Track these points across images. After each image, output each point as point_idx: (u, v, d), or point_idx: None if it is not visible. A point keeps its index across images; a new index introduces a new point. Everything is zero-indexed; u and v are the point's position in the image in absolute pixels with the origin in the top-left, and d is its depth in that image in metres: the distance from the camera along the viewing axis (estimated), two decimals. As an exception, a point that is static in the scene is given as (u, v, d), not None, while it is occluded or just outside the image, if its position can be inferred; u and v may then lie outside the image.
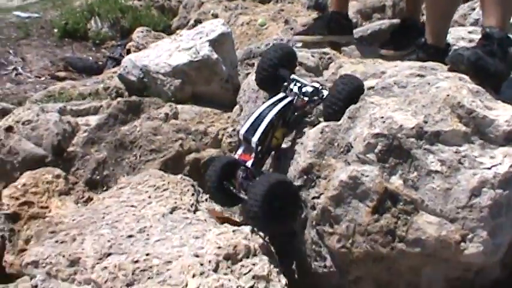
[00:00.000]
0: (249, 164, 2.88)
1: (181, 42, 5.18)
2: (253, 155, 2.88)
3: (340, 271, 2.73)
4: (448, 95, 2.63)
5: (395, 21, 4.87)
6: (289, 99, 2.98)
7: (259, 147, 2.87)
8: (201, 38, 5.06)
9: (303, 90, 2.99)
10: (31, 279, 2.55)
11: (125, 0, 9.80)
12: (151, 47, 5.70)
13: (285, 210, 2.73)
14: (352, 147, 2.65)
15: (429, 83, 2.80)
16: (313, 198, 2.71)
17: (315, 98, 3.00)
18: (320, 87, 3.00)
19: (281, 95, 3.03)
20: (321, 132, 2.77)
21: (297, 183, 2.78)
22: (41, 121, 4.06)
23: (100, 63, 8.15)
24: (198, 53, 4.87)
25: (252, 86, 3.27)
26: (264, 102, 3.08)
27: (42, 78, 7.60)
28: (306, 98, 2.99)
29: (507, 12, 3.10)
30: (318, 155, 2.74)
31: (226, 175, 2.96)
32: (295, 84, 3.04)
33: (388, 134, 2.57)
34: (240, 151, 2.96)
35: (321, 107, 3.00)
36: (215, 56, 4.85)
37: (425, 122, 2.58)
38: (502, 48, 2.98)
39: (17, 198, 3.50)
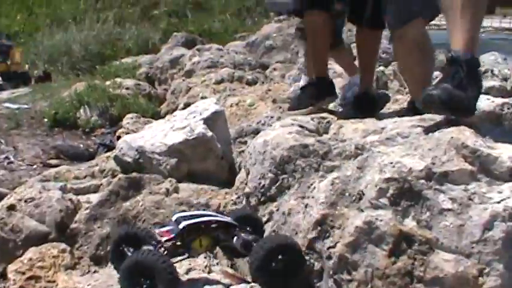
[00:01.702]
0: (163, 239, 2.87)
1: (176, 122, 5.25)
2: (173, 235, 2.87)
3: (360, 319, 2.73)
4: (452, 137, 2.72)
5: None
6: (236, 226, 2.97)
7: (183, 234, 2.86)
8: (194, 117, 5.13)
9: (248, 237, 2.93)
10: None
11: (113, 89, 9.97)
12: (145, 128, 5.77)
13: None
14: (364, 194, 2.70)
15: (431, 130, 2.88)
16: (329, 248, 2.74)
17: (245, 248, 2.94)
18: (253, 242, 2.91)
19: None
20: (332, 184, 2.82)
21: (311, 235, 2.81)
22: (44, 198, 4.08)
23: (91, 150, 8.21)
24: (193, 131, 4.93)
25: (257, 149, 3.34)
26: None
27: (35, 166, 7.65)
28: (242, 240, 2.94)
29: (474, 31, 3.12)
30: (330, 206, 2.79)
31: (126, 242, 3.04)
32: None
33: (398, 177, 2.63)
34: (163, 228, 2.98)
35: None
36: (210, 133, 4.91)
37: (433, 164, 2.65)
38: (469, 72, 3.02)
39: (23, 273, 3.50)
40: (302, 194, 3.01)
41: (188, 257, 2.93)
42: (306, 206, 2.92)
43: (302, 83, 5.70)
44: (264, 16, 19.52)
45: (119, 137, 7.31)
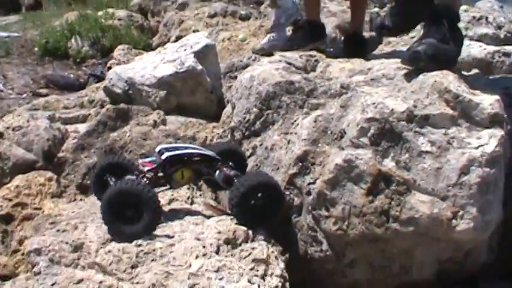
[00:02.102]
0: (146, 169, 2.92)
1: (166, 54, 5.24)
2: (155, 166, 2.91)
3: (336, 255, 2.80)
4: (435, 81, 2.76)
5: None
6: (219, 161, 2.99)
7: (165, 165, 2.90)
8: (185, 50, 5.12)
9: (230, 172, 2.94)
10: (33, 266, 2.58)
11: (105, 20, 9.86)
12: (136, 60, 5.75)
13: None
14: (345, 133, 2.74)
15: (416, 73, 2.91)
16: (309, 184, 2.79)
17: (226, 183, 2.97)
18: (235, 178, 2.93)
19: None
20: (315, 121, 2.86)
21: (292, 171, 2.86)
22: (31, 127, 4.11)
23: (81, 80, 8.15)
24: (183, 64, 4.92)
25: (244, 83, 3.36)
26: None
27: (24, 95, 7.62)
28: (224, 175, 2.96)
29: None
30: (312, 143, 2.83)
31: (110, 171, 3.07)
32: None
33: (380, 118, 2.67)
34: (146, 159, 3.02)
35: None
36: (200, 67, 4.90)
37: (415, 107, 2.69)
38: (451, 27, 3.10)
39: (10, 200, 3.55)
40: (285, 130, 3.05)
41: (170, 188, 2.96)
42: (288, 142, 2.96)
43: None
44: None
45: (109, 68, 7.24)
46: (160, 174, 2.90)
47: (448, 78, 2.77)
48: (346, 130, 2.74)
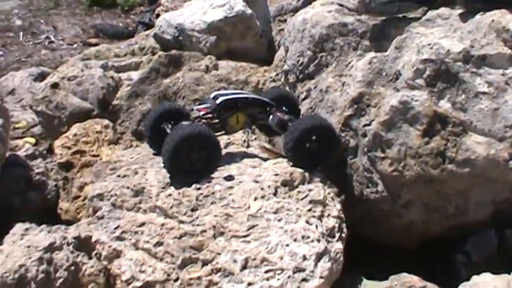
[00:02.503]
0: (201, 113, 2.96)
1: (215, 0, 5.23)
2: (209, 110, 2.95)
3: (392, 196, 2.82)
4: (492, 21, 2.70)
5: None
6: (273, 106, 3.01)
7: (220, 110, 2.93)
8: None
9: (284, 116, 2.97)
10: (96, 211, 2.67)
11: (152, -33, 9.83)
12: (184, 6, 5.74)
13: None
14: (400, 74, 2.73)
15: (472, 12, 2.86)
16: (364, 125, 2.80)
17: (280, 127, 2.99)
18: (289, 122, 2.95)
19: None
20: (369, 63, 2.86)
21: (347, 113, 2.87)
22: (86, 76, 4.17)
23: (130, 28, 8.19)
24: (233, 8, 4.91)
25: (297, 26, 3.35)
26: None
27: (75, 45, 7.70)
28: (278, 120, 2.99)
29: None
30: (367, 85, 2.83)
31: (165, 119, 3.08)
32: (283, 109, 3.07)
33: (436, 59, 2.65)
34: (201, 105, 3.05)
35: None
36: (249, 11, 4.89)
37: (472, 47, 2.66)
38: None
39: (69, 148, 3.64)
40: (340, 72, 3.05)
41: (225, 133, 3.00)
42: (343, 84, 2.96)
43: None
44: None
45: (158, 15, 7.26)
46: (216, 119, 2.94)
47: (506, 17, 2.71)
48: (401, 71, 2.73)
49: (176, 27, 5.05)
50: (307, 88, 3.24)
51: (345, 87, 2.93)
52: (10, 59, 7.02)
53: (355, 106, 2.85)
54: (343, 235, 2.59)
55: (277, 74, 3.84)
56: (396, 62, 2.79)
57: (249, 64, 4.60)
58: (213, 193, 2.57)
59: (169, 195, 2.57)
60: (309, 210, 2.56)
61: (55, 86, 4.11)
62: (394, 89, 2.74)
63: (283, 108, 3.07)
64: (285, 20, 5.24)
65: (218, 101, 2.93)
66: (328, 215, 2.59)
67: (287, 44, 3.47)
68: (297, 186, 2.67)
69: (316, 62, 3.20)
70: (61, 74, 4.20)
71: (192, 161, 2.69)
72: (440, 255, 3.00)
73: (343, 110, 2.89)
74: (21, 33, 8.06)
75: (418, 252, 3.04)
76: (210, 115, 2.95)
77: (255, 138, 3.33)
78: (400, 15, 3.04)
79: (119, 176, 2.84)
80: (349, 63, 3.00)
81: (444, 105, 2.64)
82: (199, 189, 2.58)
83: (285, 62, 3.59)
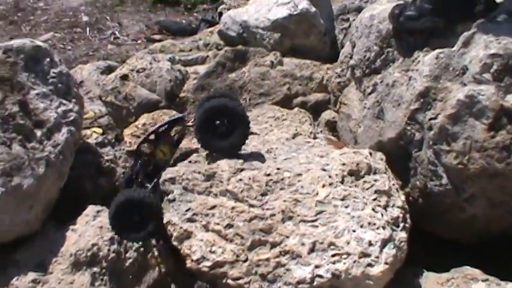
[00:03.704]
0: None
1: (280, -3, 5.30)
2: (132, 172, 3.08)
3: (456, 189, 2.85)
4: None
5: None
6: (178, 116, 3.14)
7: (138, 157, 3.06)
8: (301, -11, 5.16)
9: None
10: (167, 194, 2.78)
11: (215, -34, 9.95)
12: (249, 4, 5.83)
13: None
14: (467, 69, 2.77)
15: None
16: (430, 119, 2.84)
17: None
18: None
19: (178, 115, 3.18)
20: (436, 58, 2.89)
21: (414, 106, 2.92)
22: (154, 69, 4.30)
23: (193, 26, 8.31)
24: (297, 6, 4.97)
25: (364, 22, 3.41)
26: None
27: (139, 41, 7.88)
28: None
29: None
30: (434, 79, 2.87)
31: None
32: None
33: (503, 53, 2.68)
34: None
35: None
36: (313, 9, 4.95)
37: (540, 42, 2.68)
38: None
39: (138, 137, 3.71)
40: (406, 67, 3.09)
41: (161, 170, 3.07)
42: (409, 79, 3.01)
43: None
44: None
45: (220, 14, 7.36)
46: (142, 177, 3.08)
47: None
48: (468, 66, 2.77)
49: (241, 24, 5.14)
50: (374, 83, 3.30)
51: (411, 81, 2.98)
52: (78, 53, 7.23)
53: (422, 100, 2.90)
54: (407, 225, 2.64)
55: (342, 70, 3.90)
56: (463, 57, 2.82)
57: (312, 62, 4.66)
58: (282, 179, 2.65)
59: (240, 180, 2.67)
60: (374, 199, 2.62)
61: (124, 77, 4.24)
62: (461, 83, 2.78)
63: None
64: (348, 19, 5.29)
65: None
66: (393, 205, 2.65)
67: (354, 39, 3.54)
68: (363, 176, 2.74)
69: (382, 57, 3.25)
70: (130, 66, 4.33)
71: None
72: (503, 251, 3.03)
73: (410, 103, 2.94)
74: (87, 29, 8.28)
75: (479, 247, 3.05)
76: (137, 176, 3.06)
77: (321, 131, 3.40)
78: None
79: (190, 161, 2.95)
80: (416, 58, 3.04)
81: (511, 100, 2.66)
82: (269, 175, 2.67)
83: (350, 57, 3.65)
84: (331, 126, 3.91)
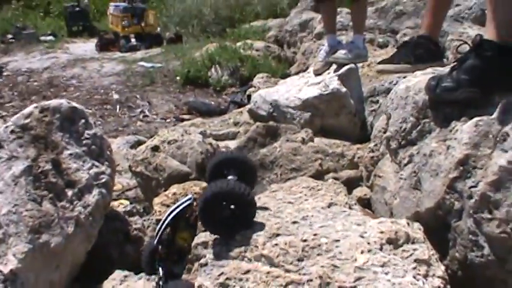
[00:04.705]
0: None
1: (310, 78, 5.36)
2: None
3: (498, 260, 2.75)
4: None
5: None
6: (189, 202, 3.02)
7: (161, 248, 2.99)
8: (329, 73, 5.21)
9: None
10: (199, 259, 2.71)
11: (244, 50, 10.17)
12: (280, 84, 5.89)
13: None
14: (508, 135, 2.71)
15: None
16: (470, 187, 2.78)
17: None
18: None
19: (187, 197, 3.09)
20: (475, 126, 2.85)
21: (453, 175, 2.86)
22: (186, 141, 4.29)
23: (222, 107, 8.42)
24: (328, 86, 5.02)
25: (399, 94, 3.40)
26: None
27: (168, 120, 7.97)
28: None
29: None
30: (473, 147, 2.82)
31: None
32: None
33: (545, 120, 2.65)
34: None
35: None
36: (344, 89, 4.99)
37: None
38: None
39: (168, 206, 3.67)
40: (444, 137, 3.05)
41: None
42: (448, 148, 2.96)
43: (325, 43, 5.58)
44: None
45: (249, 96, 7.47)
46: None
47: None
48: (509, 133, 2.72)
49: (271, 103, 5.19)
50: (410, 153, 3.25)
51: (449, 150, 2.93)
52: (107, 128, 7.32)
53: (461, 168, 2.84)
54: (448, 296, 2.55)
55: (375, 145, 3.86)
56: (503, 124, 2.78)
57: (342, 142, 4.66)
58: (319, 245, 2.58)
59: (276, 244, 2.59)
60: (414, 268, 2.53)
61: (155, 148, 4.25)
62: (502, 150, 2.72)
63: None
64: (377, 101, 5.32)
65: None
66: (433, 275, 2.55)
67: (389, 111, 3.51)
68: (401, 245, 2.65)
69: (419, 127, 3.22)
70: (161, 138, 4.34)
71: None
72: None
73: (448, 172, 2.88)
74: (118, 106, 8.47)
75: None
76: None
77: (355, 203, 3.34)
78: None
79: (223, 226, 2.89)
80: (454, 127, 3.00)
81: (555, 166, 2.60)
82: (305, 240, 2.60)
83: (384, 132, 3.62)
84: (363, 204, 3.84)
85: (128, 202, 4.22)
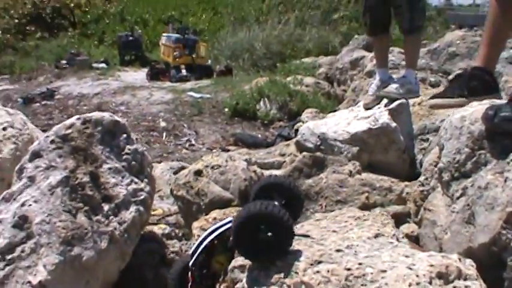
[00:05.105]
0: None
1: (360, 111, 5.24)
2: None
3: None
4: None
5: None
6: (229, 224, 2.85)
7: (195, 271, 2.83)
8: (379, 107, 5.10)
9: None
10: (236, 283, 2.60)
11: (293, 85, 10.13)
12: (328, 117, 5.80)
13: None
14: None
15: None
16: (532, 224, 2.63)
17: None
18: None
19: (227, 219, 2.94)
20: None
21: (510, 209, 2.70)
22: (230, 167, 4.20)
23: (269, 140, 8.34)
24: (377, 120, 4.89)
25: (454, 124, 3.25)
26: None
27: (214, 150, 7.92)
28: None
29: None
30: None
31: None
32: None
33: None
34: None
35: None
36: (394, 124, 4.86)
37: None
38: None
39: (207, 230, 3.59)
40: (501, 169, 2.89)
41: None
42: (505, 180, 2.80)
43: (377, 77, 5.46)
44: (445, 26, 19.23)
45: (296, 130, 7.39)
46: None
47: None
48: None
49: (319, 136, 5.09)
50: (463, 186, 3.10)
51: (507, 182, 2.77)
52: (152, 154, 7.30)
53: (521, 201, 2.68)
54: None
55: (426, 178, 3.72)
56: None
57: (390, 178, 4.52)
58: (363, 275, 2.43)
59: (317, 272, 2.46)
60: (466, 305, 2.38)
61: (198, 173, 4.17)
62: None
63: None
64: (427, 139, 5.18)
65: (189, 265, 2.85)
66: (487, 314, 2.40)
67: (442, 141, 3.37)
68: (452, 281, 2.49)
69: (474, 159, 3.06)
70: (205, 163, 4.26)
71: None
72: None
73: (506, 206, 2.72)
74: (164, 134, 8.47)
75: None
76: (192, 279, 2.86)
77: (403, 237, 3.19)
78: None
79: (261, 250, 2.77)
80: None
81: None
82: (349, 269, 2.45)
83: (435, 165, 3.48)
84: (411, 241, 3.69)
85: (167, 227, 4.16)
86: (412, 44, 5.37)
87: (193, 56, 15.62)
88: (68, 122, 3.01)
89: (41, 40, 21.88)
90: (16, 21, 22.71)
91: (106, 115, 3.11)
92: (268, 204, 2.53)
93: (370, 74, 9.84)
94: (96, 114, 3.10)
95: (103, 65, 17.48)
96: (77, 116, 3.04)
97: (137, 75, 15.42)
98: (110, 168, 2.96)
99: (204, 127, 8.92)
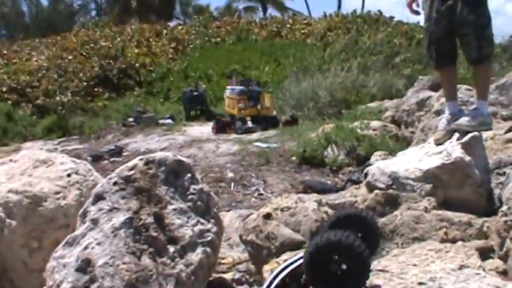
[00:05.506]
0: None
1: (431, 148, 5.09)
2: None
3: None
4: None
5: None
6: (300, 261, 2.76)
7: None
8: (451, 142, 4.93)
9: None
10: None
11: (360, 130, 10.01)
12: (398, 155, 5.67)
13: None
14: None
15: None
16: None
17: None
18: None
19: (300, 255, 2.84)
20: None
21: None
22: (300, 208, 4.11)
23: (338, 186, 8.19)
24: (450, 155, 4.74)
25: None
26: None
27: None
28: None
29: None
30: None
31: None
32: None
33: None
34: None
35: None
36: (468, 158, 4.69)
37: None
38: None
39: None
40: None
41: None
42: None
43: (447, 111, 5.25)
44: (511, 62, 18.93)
45: (366, 174, 7.23)
46: None
47: None
48: None
49: (389, 175, 4.97)
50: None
51: None
52: (221, 204, 7.21)
53: None
54: None
55: (509, 208, 3.52)
56: None
57: (467, 215, 4.33)
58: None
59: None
60: None
61: (267, 216, 4.10)
62: None
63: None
64: (504, 173, 4.98)
65: None
66: None
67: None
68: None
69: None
70: (274, 205, 4.20)
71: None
72: None
73: None
74: (232, 184, 8.42)
75: None
76: None
77: (490, 270, 3.01)
78: None
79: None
80: None
81: None
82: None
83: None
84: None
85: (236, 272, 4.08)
86: (483, 73, 5.20)
87: (258, 107, 15.64)
88: (131, 163, 2.97)
89: (109, 100, 22.46)
90: (85, 83, 23.32)
91: (169, 155, 3.07)
92: (342, 233, 2.39)
93: (438, 113, 9.62)
94: (160, 154, 3.06)
95: (169, 121, 17.67)
96: (140, 157, 3.00)
97: (203, 129, 15.56)
98: (174, 209, 2.91)
99: (272, 176, 8.86)
